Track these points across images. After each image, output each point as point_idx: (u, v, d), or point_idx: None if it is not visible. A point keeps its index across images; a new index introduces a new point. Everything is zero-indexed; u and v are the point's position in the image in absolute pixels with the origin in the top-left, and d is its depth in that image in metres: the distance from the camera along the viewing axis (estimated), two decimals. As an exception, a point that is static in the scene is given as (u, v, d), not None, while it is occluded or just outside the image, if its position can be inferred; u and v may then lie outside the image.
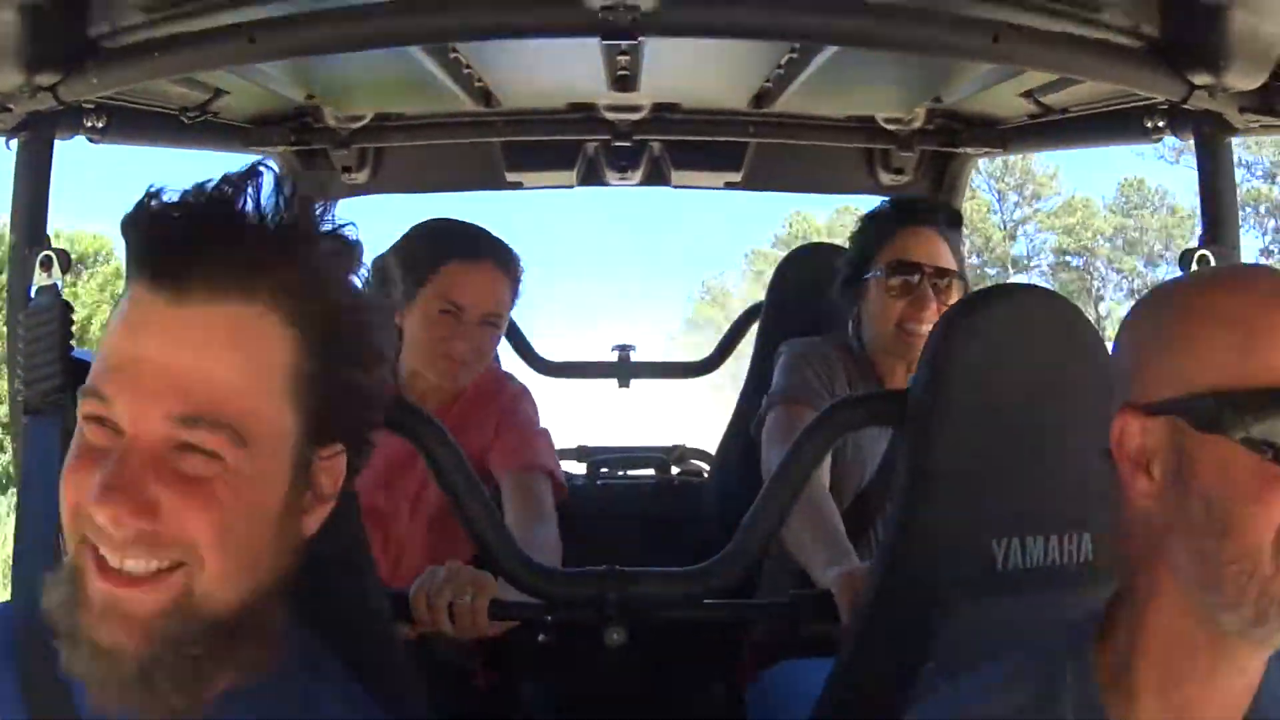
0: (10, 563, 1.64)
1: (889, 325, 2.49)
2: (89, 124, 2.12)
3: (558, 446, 2.69)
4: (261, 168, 1.05)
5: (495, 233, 2.52)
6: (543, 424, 2.63)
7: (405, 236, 2.50)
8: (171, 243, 1.01)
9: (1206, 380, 1.05)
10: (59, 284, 1.82)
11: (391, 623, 1.65)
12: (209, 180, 1.05)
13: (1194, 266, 2.03)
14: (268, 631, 1.09)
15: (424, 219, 2.55)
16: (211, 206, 1.03)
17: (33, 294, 1.82)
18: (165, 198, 1.03)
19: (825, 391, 2.46)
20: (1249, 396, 1.03)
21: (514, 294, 2.48)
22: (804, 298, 3.02)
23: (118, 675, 0.99)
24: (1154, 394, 1.09)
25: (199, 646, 1.01)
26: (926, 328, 2.39)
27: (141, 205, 1.03)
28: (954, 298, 2.45)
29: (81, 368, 1.80)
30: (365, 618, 1.53)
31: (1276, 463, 1.01)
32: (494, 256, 2.44)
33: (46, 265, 1.82)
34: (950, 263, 2.51)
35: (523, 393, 2.66)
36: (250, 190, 1.04)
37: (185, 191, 1.04)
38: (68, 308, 1.78)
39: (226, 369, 1.00)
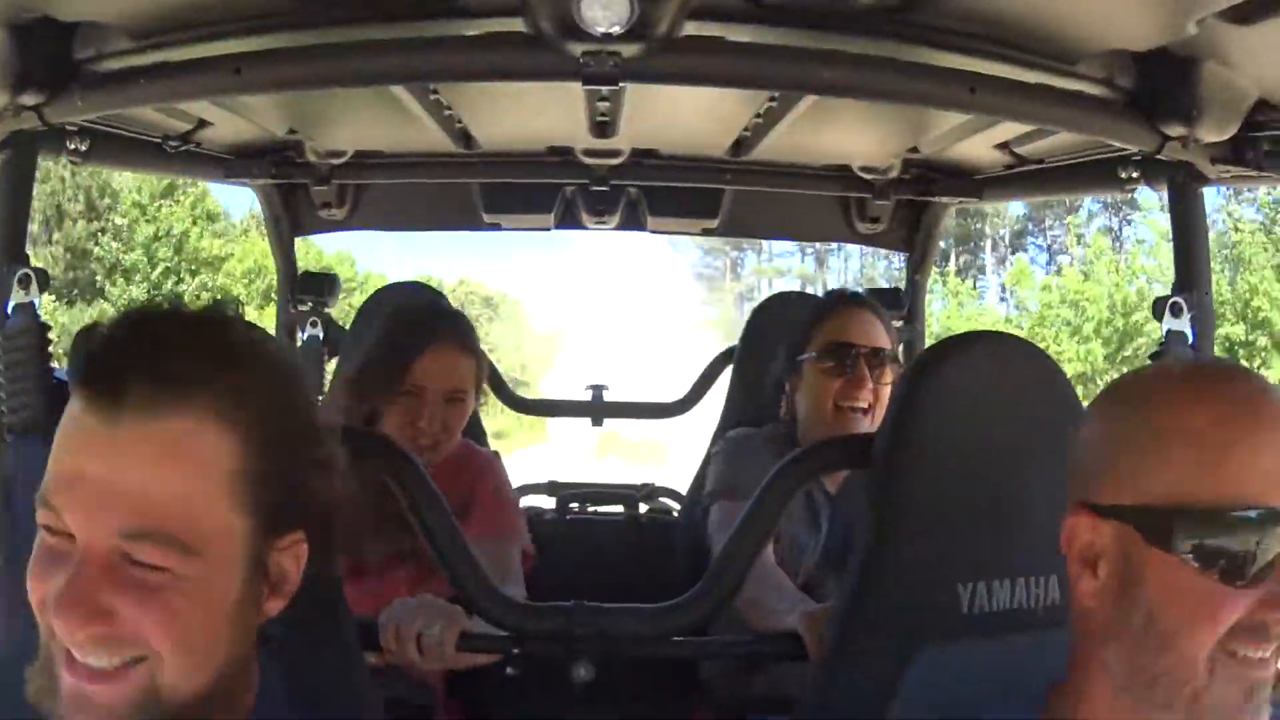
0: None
1: (826, 404, 2.52)
2: (72, 146, 2.13)
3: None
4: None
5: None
6: (513, 486, 2.70)
7: (369, 359, 2.50)
8: (102, 367, 1.02)
9: (1160, 493, 1.07)
10: (36, 302, 1.80)
11: (359, 651, 1.64)
12: (146, 303, 1.09)
13: (1167, 314, 2.05)
14: (235, 709, 1.11)
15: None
16: (140, 330, 1.05)
17: (9, 311, 1.80)
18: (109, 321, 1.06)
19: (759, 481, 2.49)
20: (1203, 514, 1.04)
21: (478, 363, 2.50)
22: (776, 344, 3.04)
23: None
24: (1108, 497, 1.11)
25: None
26: (863, 405, 2.47)
27: (85, 329, 1.08)
28: (889, 378, 2.49)
29: (64, 391, 1.79)
30: (333, 646, 1.52)
31: (1224, 579, 1.03)
32: (450, 338, 2.46)
33: (24, 283, 1.81)
34: (885, 343, 2.55)
35: (490, 461, 2.69)
36: (181, 310, 1.08)
37: (129, 313, 1.06)
38: (44, 327, 1.76)
39: (166, 484, 1.00)
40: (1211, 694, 1.04)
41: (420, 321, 2.51)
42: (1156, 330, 2.06)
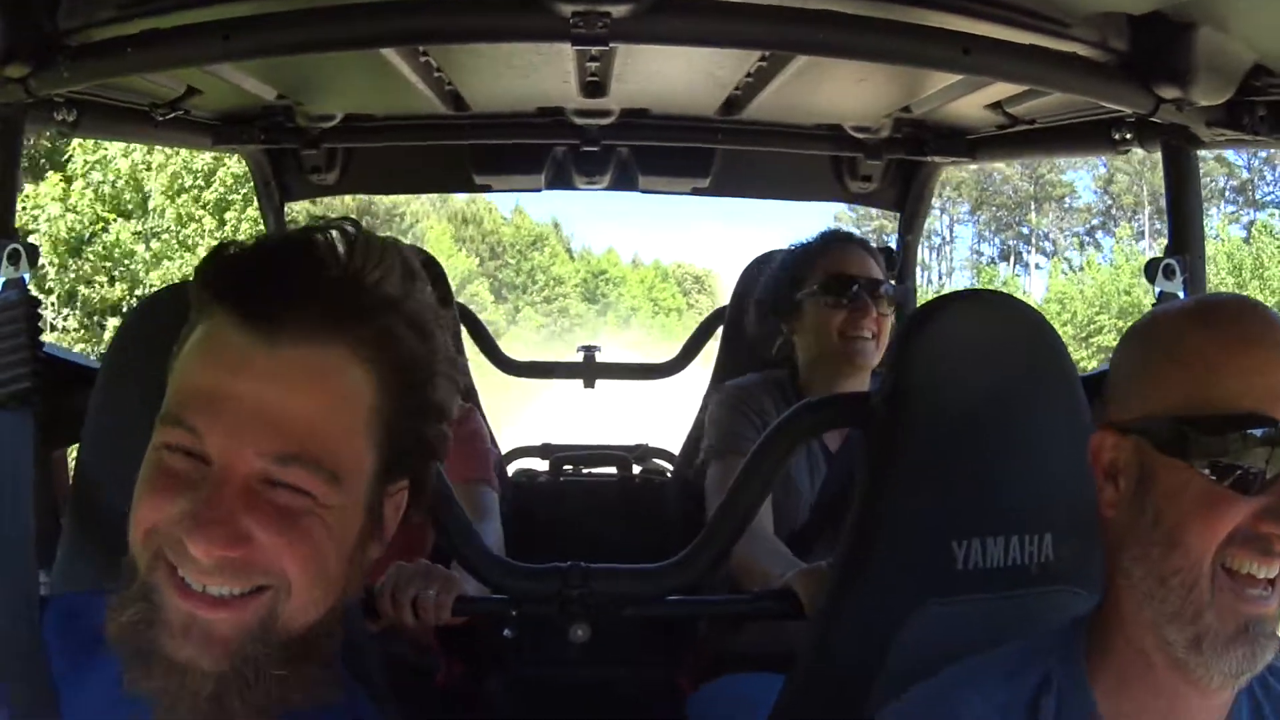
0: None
1: (831, 337, 2.54)
2: (59, 117, 2.10)
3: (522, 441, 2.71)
4: (347, 223, 1.09)
5: None
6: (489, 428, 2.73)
7: None
8: (266, 286, 1.03)
9: (1169, 406, 1.18)
10: (25, 278, 1.79)
11: (358, 616, 1.65)
12: (294, 229, 1.10)
13: (1160, 275, 2.05)
14: (330, 650, 1.12)
15: None
16: (304, 255, 1.06)
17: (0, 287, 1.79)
18: (245, 245, 1.07)
19: (758, 435, 2.49)
20: (1204, 421, 1.15)
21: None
22: None
23: (191, 692, 1.00)
24: (1127, 415, 1.23)
25: (276, 665, 1.03)
26: (868, 334, 2.51)
27: (224, 249, 1.07)
28: (887, 309, 2.55)
29: (54, 365, 1.78)
30: None
31: (1226, 485, 1.14)
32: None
33: (14, 259, 1.79)
34: (881, 276, 2.58)
35: (465, 411, 2.69)
36: (338, 241, 1.07)
37: (270, 238, 1.09)
38: (34, 301, 1.75)
39: (319, 408, 1.02)
40: (1212, 614, 1.13)
41: None
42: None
